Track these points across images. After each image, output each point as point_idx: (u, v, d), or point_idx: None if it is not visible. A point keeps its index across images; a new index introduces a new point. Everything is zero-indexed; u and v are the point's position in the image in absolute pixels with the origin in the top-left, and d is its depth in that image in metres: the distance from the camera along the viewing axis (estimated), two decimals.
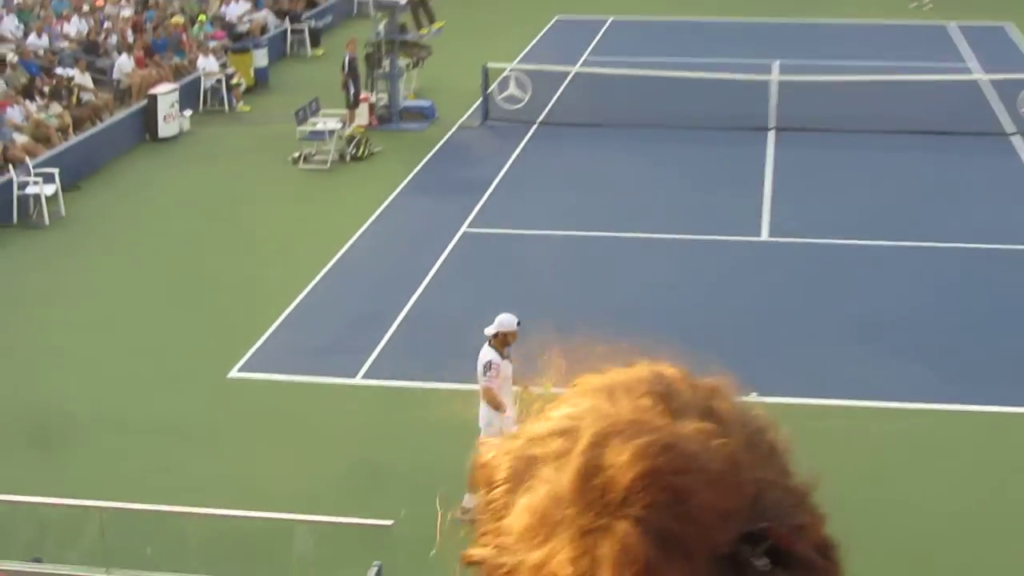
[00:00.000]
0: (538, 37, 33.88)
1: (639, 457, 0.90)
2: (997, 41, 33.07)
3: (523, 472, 0.97)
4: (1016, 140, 24.81)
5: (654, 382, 0.99)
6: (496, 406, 12.21)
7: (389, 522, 10.66)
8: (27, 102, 24.12)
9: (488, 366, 12.29)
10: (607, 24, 35.32)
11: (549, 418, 1.01)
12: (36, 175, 21.62)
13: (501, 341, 12.42)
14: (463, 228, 20.44)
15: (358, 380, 15.41)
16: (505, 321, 12.49)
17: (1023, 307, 17.43)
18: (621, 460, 0.90)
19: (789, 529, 0.92)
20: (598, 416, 0.96)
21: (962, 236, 19.93)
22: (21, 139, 22.73)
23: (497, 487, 0.99)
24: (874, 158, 23.74)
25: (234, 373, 15.65)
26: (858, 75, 27.97)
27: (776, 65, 29.19)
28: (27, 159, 22.17)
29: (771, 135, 25.08)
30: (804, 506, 0.97)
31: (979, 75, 28.82)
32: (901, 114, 25.38)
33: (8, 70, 25.16)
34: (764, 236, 20.25)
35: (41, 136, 23.46)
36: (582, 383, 1.02)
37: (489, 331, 12.55)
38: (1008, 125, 25.55)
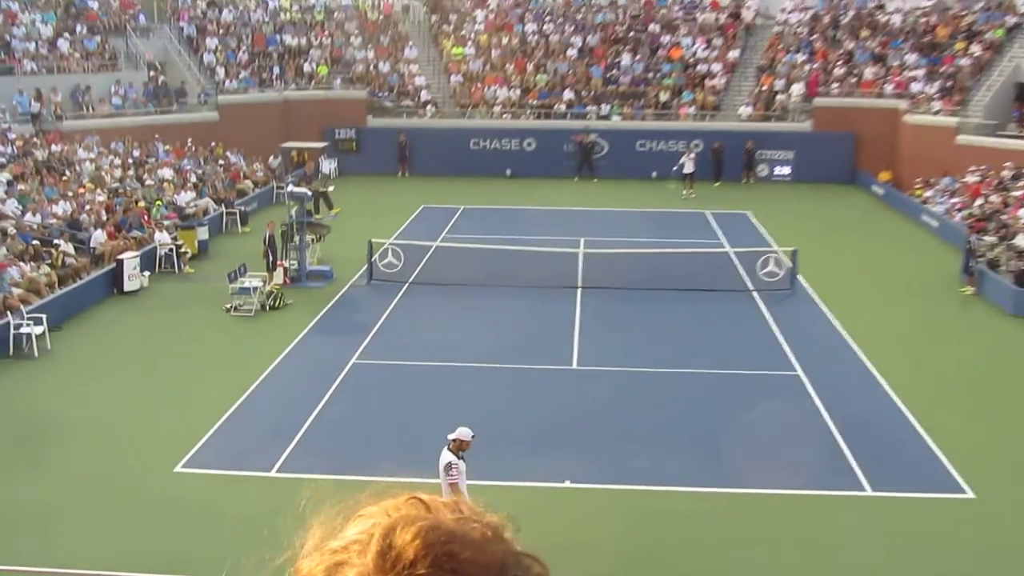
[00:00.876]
0: (409, 220, 34.22)
1: (418, 534, 1.08)
2: (740, 224, 33.85)
3: (334, 571, 1.12)
4: (755, 295, 25.20)
5: (415, 499, 1.18)
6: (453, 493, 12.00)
7: None
8: (22, 264, 23.94)
9: (449, 466, 11.88)
10: (459, 211, 35.78)
11: (344, 536, 1.16)
12: (28, 319, 21.47)
13: (458, 446, 12.11)
14: (353, 359, 20.46)
15: (272, 473, 15.42)
16: (463, 432, 12.19)
17: (762, 415, 17.34)
18: (406, 539, 1.08)
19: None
20: (382, 520, 1.14)
21: (719, 364, 20.23)
22: (17, 291, 22.52)
23: None
24: (654, 308, 24.34)
25: (178, 468, 15.54)
26: (641, 248, 28.48)
27: (582, 241, 29.87)
28: (22, 307, 21.99)
29: (579, 292, 25.31)
30: (540, 564, 1.15)
31: (728, 248, 29.53)
32: (672, 276, 25.84)
33: (8, 240, 24.98)
34: (574, 365, 20.31)
35: (33, 289, 23.29)
36: (363, 512, 1.19)
37: (450, 437, 12.18)
38: (749, 284, 26.09)
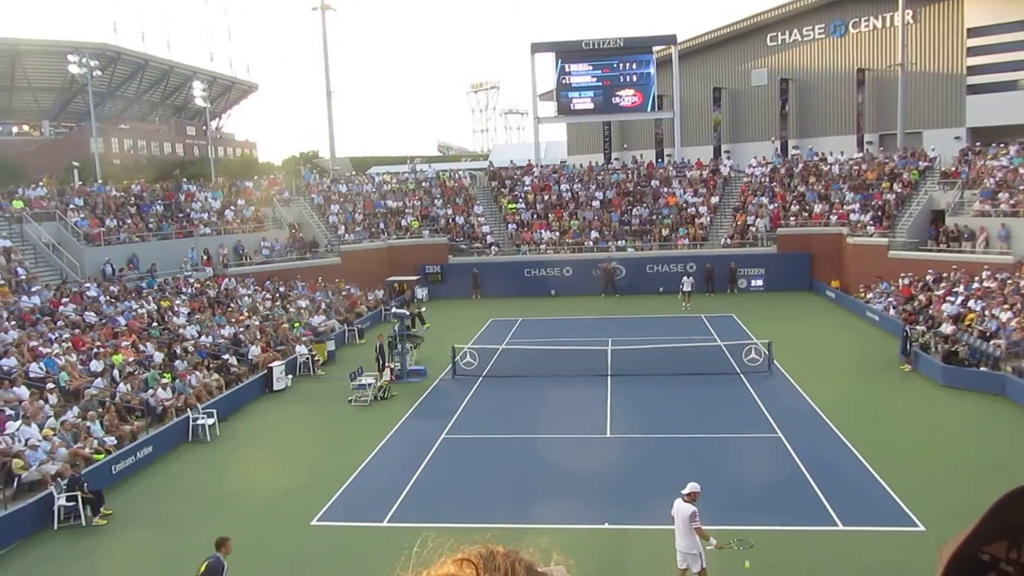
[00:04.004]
0: (481, 330, 34.32)
1: None
2: (728, 324, 33.45)
3: None
4: (742, 376, 24.73)
5: (482, 553, 1.12)
6: (706, 537, 11.58)
7: None
8: (197, 373, 24.31)
9: (693, 515, 11.47)
10: (518, 322, 35.90)
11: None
12: (204, 412, 21.73)
13: (692, 497, 11.70)
14: (443, 435, 20.37)
15: (384, 524, 15.25)
16: (694, 487, 11.83)
17: (753, 468, 17.29)
18: None
19: None
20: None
21: (717, 430, 19.94)
22: (194, 391, 22.86)
23: None
24: (666, 389, 24.00)
25: (314, 522, 15.45)
26: (654, 344, 28.15)
27: (610, 341, 29.89)
28: (198, 404, 22.25)
29: (609, 378, 25.19)
30: None
31: (719, 342, 29.10)
32: (678, 364, 25.80)
33: (188, 355, 25.43)
34: (608, 434, 20.05)
35: (206, 391, 23.58)
36: (442, 561, 1.14)
37: (684, 492, 11.76)
38: (737, 368, 25.67)
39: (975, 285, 29.65)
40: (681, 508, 11.79)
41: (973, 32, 48.34)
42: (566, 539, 14.12)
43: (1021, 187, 35.29)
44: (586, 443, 19.51)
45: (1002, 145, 41.21)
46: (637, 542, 14.02)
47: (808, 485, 16.15)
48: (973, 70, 48.60)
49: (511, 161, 56.65)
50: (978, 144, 44.50)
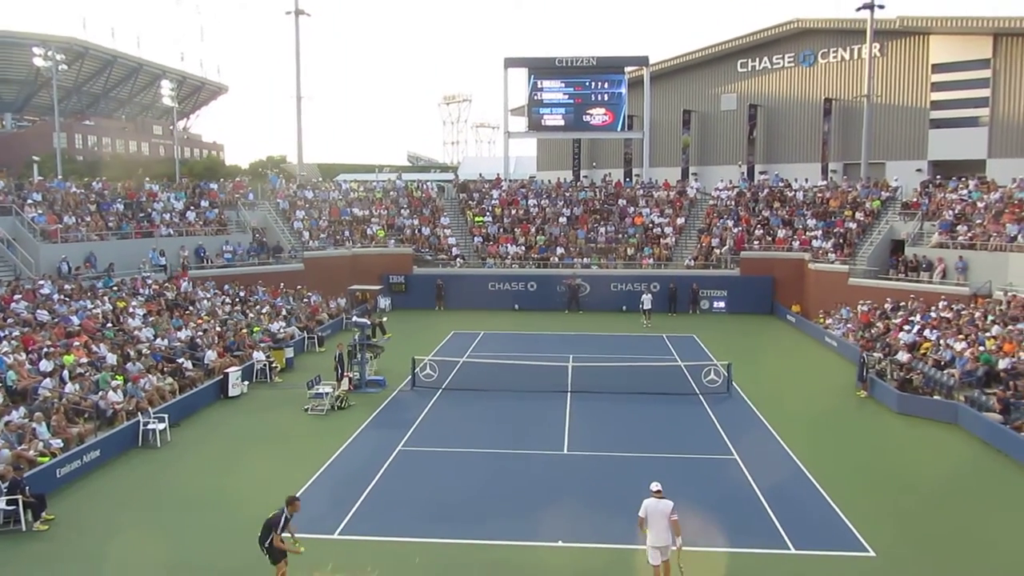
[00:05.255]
0: (443, 342, 34.19)
1: None
2: (689, 344, 33.63)
3: None
4: (701, 397, 24.83)
5: None
6: (679, 533, 12.09)
7: None
8: (151, 376, 23.84)
9: (673, 510, 12.10)
10: (480, 335, 35.75)
11: None
12: (156, 416, 21.29)
13: (661, 494, 12.27)
14: (400, 447, 20.17)
15: (335, 536, 15.00)
16: (655, 485, 12.42)
17: (709, 489, 17.09)
18: None
19: None
20: None
21: (675, 450, 19.95)
22: (146, 395, 22.40)
23: None
24: (625, 407, 23.88)
25: None
26: (615, 362, 28.28)
27: (571, 357, 29.87)
28: (150, 408, 21.81)
29: (569, 395, 25.10)
30: None
31: (680, 362, 29.23)
32: (639, 383, 25.94)
33: (143, 358, 24.92)
34: (566, 451, 19.91)
35: (159, 395, 23.11)
36: None
37: (656, 488, 12.34)
38: (696, 389, 25.73)
39: (932, 315, 30.14)
40: (660, 505, 12.19)
41: (937, 68, 49.41)
42: (519, 556, 14.01)
43: (979, 221, 36.03)
44: (543, 459, 19.35)
45: (962, 179, 42.16)
46: (591, 560, 13.93)
47: (762, 508, 16.17)
48: (936, 104, 49.64)
49: (480, 174, 56.70)
50: (938, 177, 45.46)
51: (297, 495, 12.78)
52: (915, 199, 41.63)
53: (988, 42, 46.83)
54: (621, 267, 44.52)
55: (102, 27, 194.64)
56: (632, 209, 48.99)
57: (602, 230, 47.18)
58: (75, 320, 26.87)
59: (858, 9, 48.65)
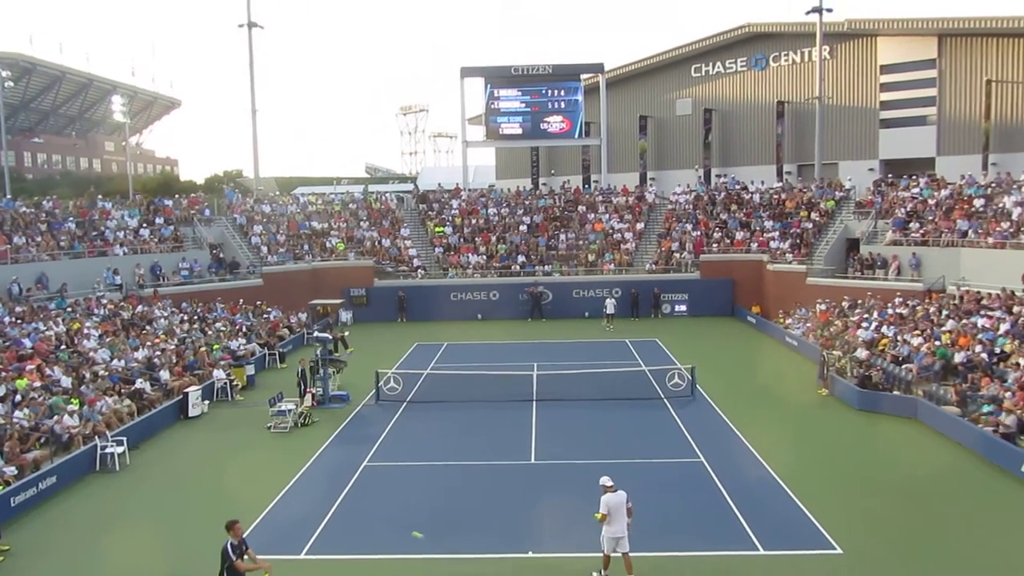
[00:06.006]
0: (406, 354, 33.98)
1: None
2: (652, 349, 33.77)
3: None
4: (666, 401, 24.95)
5: None
6: (631, 515, 13.29)
7: None
8: (107, 398, 23.31)
9: (628, 499, 13.22)
10: (444, 347, 35.64)
11: None
12: (113, 440, 20.81)
13: (611, 489, 13.24)
14: (365, 463, 19.93)
15: (302, 556, 14.76)
16: (607, 480, 13.44)
17: (676, 493, 17.27)
18: None
19: None
20: None
21: (641, 455, 19.86)
22: (103, 418, 21.88)
23: None
24: (591, 414, 23.81)
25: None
26: (579, 369, 28.07)
27: (536, 365, 29.84)
28: (107, 431, 21.31)
29: (534, 403, 25.09)
30: None
31: (644, 367, 29.16)
32: (603, 388, 26.00)
33: (99, 380, 24.38)
34: (533, 460, 19.85)
35: (117, 418, 22.61)
36: None
37: (609, 483, 13.31)
38: (661, 393, 25.84)
39: (888, 311, 30.64)
40: (618, 497, 13.15)
41: (886, 69, 50.40)
42: (489, 569, 13.90)
43: (930, 218, 36.76)
44: (511, 470, 19.27)
45: (913, 177, 43.00)
46: (562, 570, 13.86)
47: (729, 510, 16.26)
48: (886, 105, 50.62)
49: (439, 184, 56.56)
50: (890, 176, 46.36)
51: (236, 519, 12.13)
52: (868, 198, 42.37)
53: (933, 42, 47.91)
54: (583, 274, 44.66)
55: (50, 43, 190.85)
56: (592, 215, 49.20)
57: (563, 237, 47.32)
58: (27, 343, 26.20)
59: (807, 13, 49.56)
